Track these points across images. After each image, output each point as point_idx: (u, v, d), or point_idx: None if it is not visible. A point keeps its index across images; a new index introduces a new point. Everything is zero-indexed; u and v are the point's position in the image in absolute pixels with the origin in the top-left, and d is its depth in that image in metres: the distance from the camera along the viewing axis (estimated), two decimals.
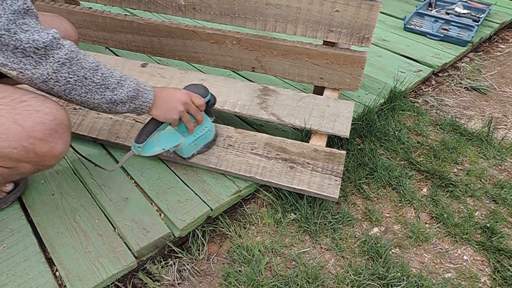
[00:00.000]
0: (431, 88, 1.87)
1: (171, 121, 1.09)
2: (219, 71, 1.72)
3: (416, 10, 2.35)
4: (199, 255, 1.11)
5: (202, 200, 1.17)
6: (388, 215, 1.24)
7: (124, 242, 1.06)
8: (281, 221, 1.19)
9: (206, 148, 1.26)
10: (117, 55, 1.82)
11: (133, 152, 1.13)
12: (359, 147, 1.45)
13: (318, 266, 1.08)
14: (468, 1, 2.46)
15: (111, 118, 1.34)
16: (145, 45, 1.56)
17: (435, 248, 1.15)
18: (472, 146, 1.51)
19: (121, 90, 0.97)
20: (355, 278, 1.05)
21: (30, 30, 0.83)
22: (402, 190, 1.30)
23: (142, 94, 1.01)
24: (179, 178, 1.24)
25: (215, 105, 1.36)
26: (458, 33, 2.17)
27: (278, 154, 1.25)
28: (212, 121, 1.25)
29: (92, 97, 0.94)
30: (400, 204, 1.28)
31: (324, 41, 1.40)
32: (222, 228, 1.18)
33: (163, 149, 1.17)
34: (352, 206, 1.26)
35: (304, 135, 1.34)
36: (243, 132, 1.32)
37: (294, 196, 1.22)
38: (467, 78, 1.95)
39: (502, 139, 1.54)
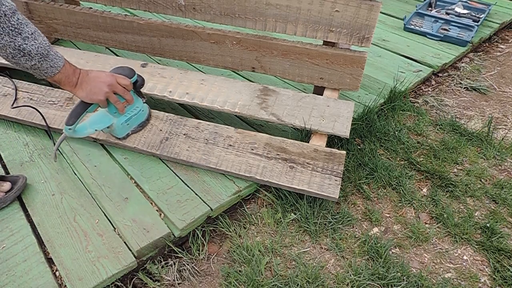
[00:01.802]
0: (431, 88, 1.87)
1: (97, 101, 1.12)
2: (219, 71, 1.72)
3: (416, 10, 2.35)
4: (199, 255, 1.11)
5: (202, 200, 1.17)
6: (388, 215, 1.24)
7: (124, 242, 1.06)
8: (281, 221, 1.19)
9: (140, 127, 1.32)
10: (117, 55, 1.82)
11: (65, 134, 1.15)
12: (359, 147, 1.45)
13: (318, 266, 1.08)
14: (468, 1, 2.46)
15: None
16: (145, 45, 1.56)
17: (435, 248, 1.15)
18: (472, 146, 1.51)
19: (33, 43, 0.97)
20: (355, 278, 1.05)
21: None
22: (402, 190, 1.30)
23: (53, 58, 1.01)
24: (179, 178, 1.24)
25: (215, 105, 1.36)
26: (458, 33, 2.17)
27: (278, 154, 1.25)
28: (144, 102, 1.29)
29: (0, 37, 0.93)
30: (400, 204, 1.28)
31: (324, 41, 1.39)
32: (222, 228, 1.18)
33: (96, 130, 1.20)
34: (352, 206, 1.26)
35: (304, 135, 1.34)
36: (243, 132, 1.32)
37: (294, 196, 1.22)
38: (467, 78, 1.95)
39: (502, 139, 1.54)
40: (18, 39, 0.94)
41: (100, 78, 1.11)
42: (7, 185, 1.16)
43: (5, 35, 0.92)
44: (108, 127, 1.23)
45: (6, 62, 1.52)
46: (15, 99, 1.44)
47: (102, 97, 1.11)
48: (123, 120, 1.24)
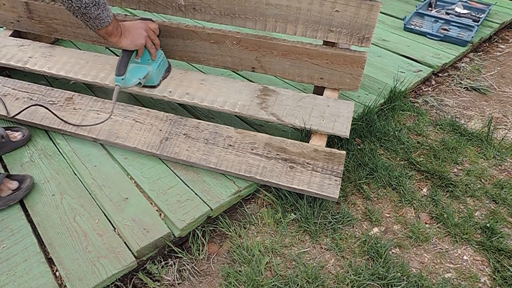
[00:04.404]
0: (431, 88, 1.87)
1: (140, 46, 1.27)
2: (219, 71, 1.72)
3: (416, 10, 2.35)
4: (199, 255, 1.11)
5: (202, 200, 1.17)
6: (388, 215, 1.24)
7: (124, 242, 1.06)
8: (281, 221, 1.19)
9: (167, 72, 1.46)
10: (117, 55, 1.82)
11: (120, 86, 1.29)
12: (359, 147, 1.45)
13: (318, 266, 1.08)
14: (468, 1, 2.46)
15: (111, 118, 1.34)
16: None
17: (435, 248, 1.15)
18: (472, 146, 1.51)
19: None
20: (355, 278, 1.05)
21: None
22: (402, 190, 1.30)
23: (107, 8, 1.14)
24: (179, 178, 1.24)
25: (215, 105, 1.37)
26: (458, 33, 2.16)
27: (278, 154, 1.25)
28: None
29: None
30: (400, 204, 1.28)
31: (324, 41, 1.39)
32: (222, 228, 1.18)
33: (139, 79, 1.32)
34: (352, 206, 1.26)
35: (304, 135, 1.34)
36: (243, 132, 1.32)
37: (294, 196, 1.22)
38: (467, 78, 1.95)
39: (502, 139, 1.54)
40: None
41: (137, 25, 1.27)
42: (15, 184, 1.17)
43: None
44: (144, 78, 1.34)
45: (6, 62, 1.53)
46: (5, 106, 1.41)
47: (144, 40, 1.27)
48: (156, 66, 1.37)
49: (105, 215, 1.13)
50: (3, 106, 1.41)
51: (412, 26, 2.24)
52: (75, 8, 1.08)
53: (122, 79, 1.27)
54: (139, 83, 1.35)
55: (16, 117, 1.38)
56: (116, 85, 1.29)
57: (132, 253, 1.04)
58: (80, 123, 1.35)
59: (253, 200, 1.27)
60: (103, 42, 1.62)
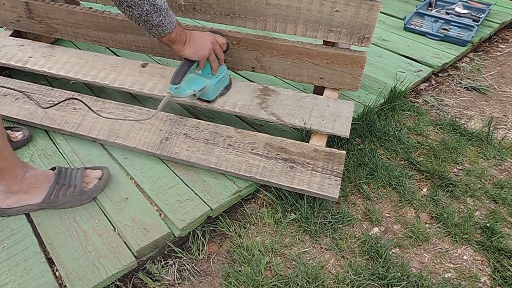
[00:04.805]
0: (431, 88, 1.87)
1: (202, 57, 1.22)
2: None
3: (416, 10, 2.35)
4: (199, 255, 1.11)
5: (202, 200, 1.17)
6: (388, 215, 1.24)
7: (124, 242, 1.06)
8: (281, 221, 1.19)
9: (225, 89, 1.40)
10: (117, 55, 1.82)
11: (171, 94, 1.23)
12: (359, 147, 1.45)
13: (318, 266, 1.08)
14: (468, 1, 2.46)
15: (111, 118, 1.34)
16: (145, 45, 1.56)
17: (435, 248, 1.15)
18: (472, 146, 1.51)
19: (161, 1, 1.05)
20: (355, 278, 1.05)
21: None
22: (402, 190, 1.30)
23: (170, 14, 1.09)
24: (179, 178, 1.24)
25: (215, 105, 1.36)
26: (458, 33, 2.16)
27: (278, 154, 1.25)
28: (226, 65, 1.39)
29: None
30: (400, 204, 1.28)
31: (324, 41, 1.39)
32: (222, 228, 1.18)
33: (194, 91, 1.27)
34: (352, 206, 1.26)
35: (304, 135, 1.34)
36: (243, 132, 1.32)
37: (294, 196, 1.22)
38: (467, 78, 1.95)
39: (502, 139, 1.54)
40: None
41: (204, 36, 1.23)
42: (99, 172, 1.20)
43: None
44: (200, 90, 1.30)
45: (6, 62, 1.54)
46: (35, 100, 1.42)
47: (207, 52, 1.22)
48: (215, 82, 1.32)
49: (105, 215, 1.13)
50: (34, 100, 1.42)
51: (412, 26, 2.24)
52: (136, 16, 1.03)
53: (176, 88, 1.21)
54: (194, 94, 1.30)
55: (16, 117, 1.38)
56: (168, 92, 1.22)
57: (132, 253, 1.04)
58: (80, 123, 1.35)
59: (253, 200, 1.27)
60: (103, 42, 1.62)
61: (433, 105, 1.74)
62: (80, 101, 1.37)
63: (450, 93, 1.84)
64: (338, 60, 1.37)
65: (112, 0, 1.03)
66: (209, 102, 1.36)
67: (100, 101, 1.43)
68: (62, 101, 1.39)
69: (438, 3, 2.46)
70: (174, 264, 1.08)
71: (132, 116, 1.37)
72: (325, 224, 1.18)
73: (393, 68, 1.88)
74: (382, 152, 1.46)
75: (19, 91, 1.45)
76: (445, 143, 1.50)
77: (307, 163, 1.23)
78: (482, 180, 1.37)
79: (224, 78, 1.37)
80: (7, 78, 1.54)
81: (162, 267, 1.07)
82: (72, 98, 1.39)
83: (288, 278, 1.05)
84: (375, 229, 1.20)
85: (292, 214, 1.20)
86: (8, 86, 1.48)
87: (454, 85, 1.89)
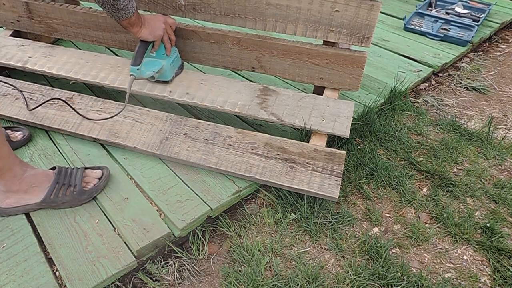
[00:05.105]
0: (431, 88, 1.87)
1: (158, 38, 1.30)
2: (219, 71, 1.72)
3: (416, 10, 2.35)
4: (199, 255, 1.11)
5: (202, 200, 1.17)
6: (388, 215, 1.24)
7: (124, 242, 1.06)
8: (281, 221, 1.19)
9: (180, 69, 1.47)
10: (117, 55, 1.82)
11: (134, 76, 1.30)
12: (359, 147, 1.45)
13: (318, 266, 1.08)
14: (468, 1, 2.46)
15: (111, 117, 1.34)
16: None
17: (435, 248, 1.15)
18: (472, 146, 1.51)
19: None
20: (355, 278, 1.05)
21: None
22: (402, 190, 1.30)
23: (132, 2, 1.18)
24: (179, 178, 1.24)
25: (215, 105, 1.37)
26: (458, 33, 2.16)
27: (278, 154, 1.25)
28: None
29: None
30: (400, 204, 1.28)
31: (324, 41, 1.39)
32: (222, 228, 1.18)
33: (153, 72, 1.34)
34: (352, 206, 1.26)
35: (304, 135, 1.34)
36: (243, 132, 1.32)
37: (294, 196, 1.22)
38: (467, 78, 1.95)
39: (502, 139, 1.54)
40: None
41: (157, 17, 1.32)
42: (99, 172, 1.20)
43: None
44: (158, 72, 1.36)
45: (6, 62, 1.53)
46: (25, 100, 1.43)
47: (162, 32, 1.31)
48: (170, 62, 1.39)
49: (105, 215, 1.13)
50: (23, 99, 1.42)
51: (412, 26, 2.24)
52: (105, 0, 1.12)
53: (138, 69, 1.28)
54: (153, 76, 1.37)
55: (16, 117, 1.38)
56: (131, 74, 1.30)
57: (132, 253, 1.04)
58: (80, 123, 1.35)
59: (253, 200, 1.27)
60: (103, 42, 1.62)
61: (433, 105, 1.74)
62: (65, 102, 1.38)
63: (450, 93, 1.84)
64: (338, 60, 1.37)
65: None
66: (167, 82, 1.42)
67: (100, 101, 1.43)
68: (46, 101, 1.39)
69: (438, 3, 2.46)
70: (174, 264, 1.08)
71: (132, 116, 1.37)
72: (325, 224, 1.18)
73: (393, 68, 1.88)
74: (382, 152, 1.46)
75: (12, 86, 1.46)
76: (445, 143, 1.50)
77: (307, 163, 1.23)
78: (482, 180, 1.37)
79: (177, 58, 1.45)
80: (7, 78, 1.54)
81: (162, 267, 1.07)
82: (55, 98, 1.40)
83: (288, 278, 1.05)
84: (375, 229, 1.20)
85: (292, 214, 1.20)
86: (4, 80, 1.48)
87: (454, 85, 1.89)
